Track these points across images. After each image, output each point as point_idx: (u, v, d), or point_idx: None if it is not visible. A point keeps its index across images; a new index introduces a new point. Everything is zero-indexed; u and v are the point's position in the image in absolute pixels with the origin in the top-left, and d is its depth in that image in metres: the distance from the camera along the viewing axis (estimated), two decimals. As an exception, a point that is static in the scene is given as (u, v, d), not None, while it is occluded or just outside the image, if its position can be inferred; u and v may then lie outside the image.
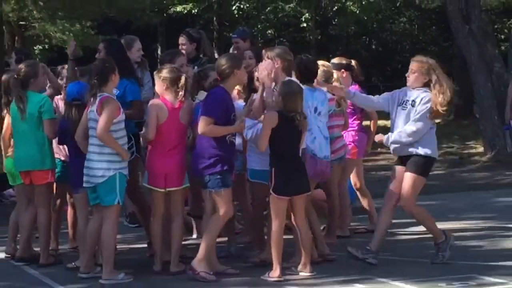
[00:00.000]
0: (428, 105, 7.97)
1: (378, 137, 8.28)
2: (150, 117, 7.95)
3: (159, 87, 8.09)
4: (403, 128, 7.99)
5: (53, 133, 8.58)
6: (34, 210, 8.71)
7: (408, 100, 8.13)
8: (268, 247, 8.28)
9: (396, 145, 8.09)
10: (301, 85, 8.17)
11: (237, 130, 7.94)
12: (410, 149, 8.05)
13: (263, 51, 8.67)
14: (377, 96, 8.64)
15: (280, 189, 7.71)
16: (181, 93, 8.06)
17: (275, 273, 7.69)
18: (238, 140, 8.35)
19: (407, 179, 8.06)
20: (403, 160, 8.18)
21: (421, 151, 8.05)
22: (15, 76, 8.75)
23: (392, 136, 8.02)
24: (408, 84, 8.26)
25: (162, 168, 8.00)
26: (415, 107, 8.03)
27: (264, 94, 8.05)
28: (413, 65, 8.24)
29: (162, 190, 8.04)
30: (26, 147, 8.63)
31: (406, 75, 8.28)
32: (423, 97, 8.01)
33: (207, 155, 7.75)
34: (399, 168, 8.20)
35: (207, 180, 7.79)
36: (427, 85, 8.10)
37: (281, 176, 7.70)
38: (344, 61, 9.88)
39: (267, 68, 8.02)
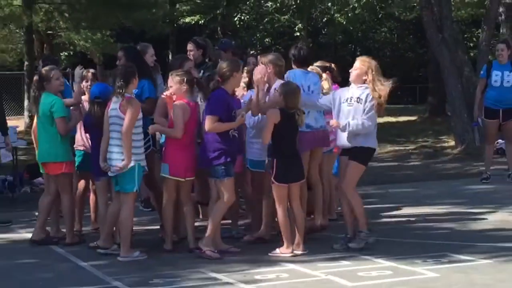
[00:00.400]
0: (374, 101, 7.90)
1: (334, 121, 8.09)
2: (179, 117, 7.89)
3: (178, 89, 8.02)
4: (361, 121, 7.83)
5: (63, 130, 8.58)
6: (51, 197, 8.73)
7: (352, 97, 7.98)
8: (264, 227, 8.31)
9: (352, 135, 7.91)
10: (297, 70, 8.46)
11: (238, 125, 7.95)
12: (358, 141, 7.95)
13: (258, 57, 8.74)
14: (324, 97, 8.57)
15: (280, 178, 7.77)
16: (196, 94, 8.14)
17: (288, 250, 7.75)
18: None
19: (351, 166, 7.97)
20: (347, 150, 8.10)
21: (366, 143, 7.98)
22: (37, 79, 8.85)
23: (351, 126, 7.84)
24: (350, 79, 8.13)
25: (183, 160, 7.99)
26: (363, 104, 7.90)
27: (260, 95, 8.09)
28: (356, 63, 8.10)
29: (183, 179, 8.04)
30: (41, 141, 8.77)
31: (350, 70, 8.15)
32: (368, 93, 7.90)
33: (213, 148, 7.78)
34: (345, 158, 8.13)
35: (213, 170, 7.82)
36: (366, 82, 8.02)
37: (281, 167, 7.77)
38: (326, 64, 9.82)
39: (260, 73, 8.04)
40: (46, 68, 8.98)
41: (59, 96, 8.78)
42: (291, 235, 7.85)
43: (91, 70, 9.66)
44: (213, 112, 7.77)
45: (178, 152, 8.01)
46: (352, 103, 7.97)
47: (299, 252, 7.78)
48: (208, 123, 7.73)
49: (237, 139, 8.03)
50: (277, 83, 8.19)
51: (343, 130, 7.92)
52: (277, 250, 7.78)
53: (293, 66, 8.73)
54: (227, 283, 6.71)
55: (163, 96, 8.30)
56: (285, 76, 8.52)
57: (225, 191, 7.78)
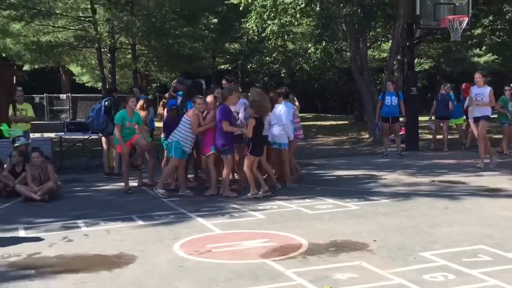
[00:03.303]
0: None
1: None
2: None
3: (212, 102, 7.94)
4: None
5: (116, 129, 8.34)
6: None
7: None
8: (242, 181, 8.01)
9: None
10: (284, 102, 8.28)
11: (238, 131, 7.73)
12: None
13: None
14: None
15: (253, 153, 7.67)
16: None
17: (253, 191, 7.58)
18: None
19: None
20: None
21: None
22: None
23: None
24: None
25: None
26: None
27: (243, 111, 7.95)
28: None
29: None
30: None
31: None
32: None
33: (221, 140, 7.65)
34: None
35: (221, 151, 7.72)
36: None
37: (254, 147, 7.65)
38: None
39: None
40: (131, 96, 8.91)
41: (128, 111, 8.32)
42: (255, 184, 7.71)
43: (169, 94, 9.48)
44: (225, 118, 7.60)
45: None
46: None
47: (267, 188, 7.66)
48: (225, 125, 7.57)
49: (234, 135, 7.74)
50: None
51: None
52: (248, 194, 7.59)
53: (281, 99, 8.38)
54: (243, 210, 6.70)
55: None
56: (276, 105, 8.24)
57: (226, 163, 7.71)
